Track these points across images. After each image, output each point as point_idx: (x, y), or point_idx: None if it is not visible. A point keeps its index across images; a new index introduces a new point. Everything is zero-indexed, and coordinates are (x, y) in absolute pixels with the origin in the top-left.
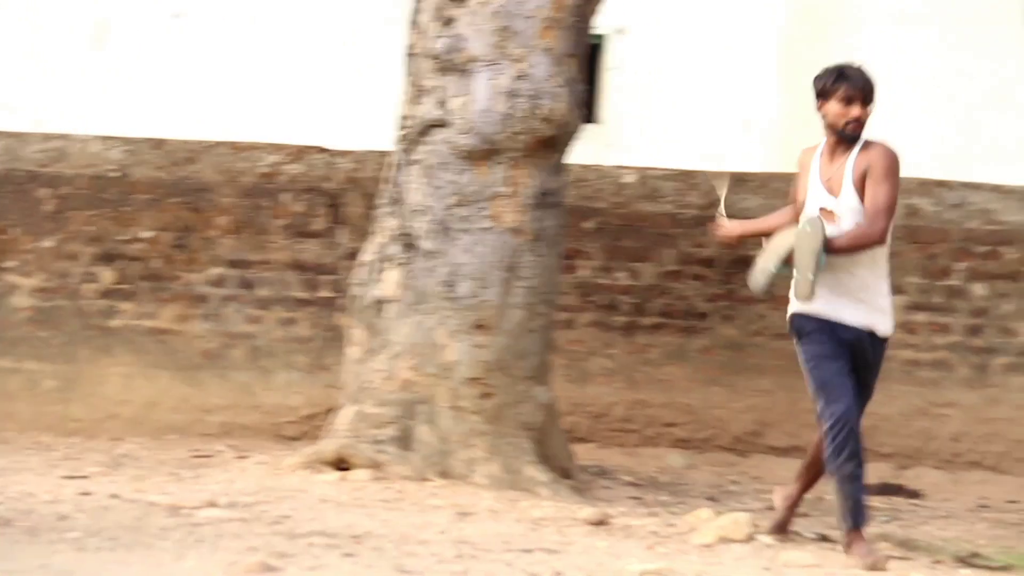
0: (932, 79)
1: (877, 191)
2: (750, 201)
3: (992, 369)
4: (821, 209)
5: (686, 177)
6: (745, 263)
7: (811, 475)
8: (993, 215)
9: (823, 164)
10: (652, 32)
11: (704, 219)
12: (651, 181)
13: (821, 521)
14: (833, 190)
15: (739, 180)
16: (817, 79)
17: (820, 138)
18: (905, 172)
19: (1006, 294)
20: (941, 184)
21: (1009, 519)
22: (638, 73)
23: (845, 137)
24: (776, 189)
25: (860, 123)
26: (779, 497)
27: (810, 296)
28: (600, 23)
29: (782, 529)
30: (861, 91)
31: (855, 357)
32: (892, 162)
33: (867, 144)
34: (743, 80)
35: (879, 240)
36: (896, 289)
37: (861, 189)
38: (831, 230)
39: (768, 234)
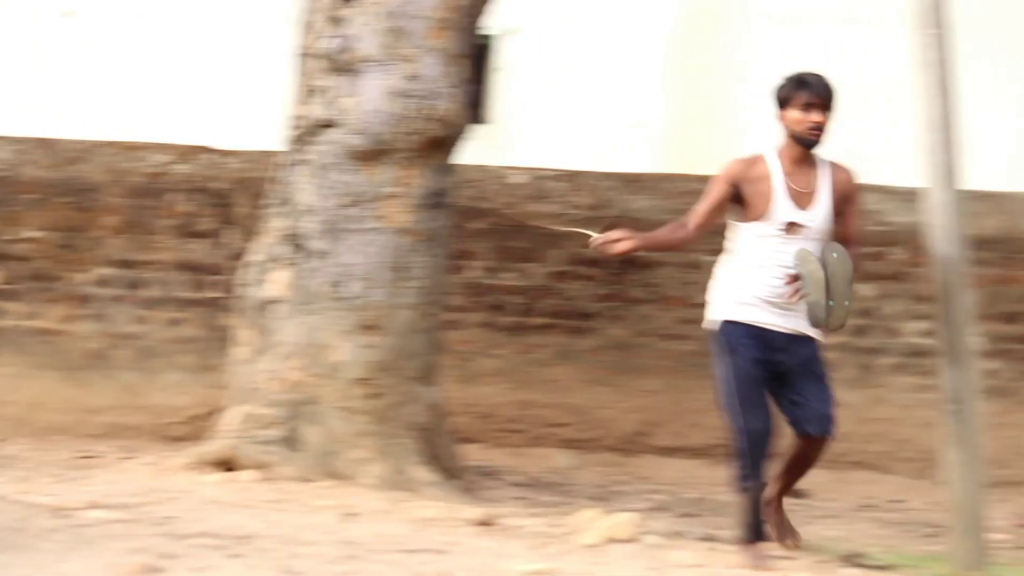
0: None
1: (858, 219)
2: (641, 202)
3: (877, 369)
4: (789, 224)
5: (575, 177)
6: (634, 264)
7: (787, 478)
8: (880, 216)
9: (789, 174)
10: (542, 33)
11: (592, 220)
12: (540, 181)
13: (708, 521)
14: (803, 204)
15: (630, 181)
16: (778, 88)
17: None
18: None
19: (892, 295)
20: None
21: (893, 518)
22: (528, 74)
23: (805, 143)
24: (665, 190)
25: (820, 128)
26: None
27: (843, 324)
28: (490, 23)
29: (782, 535)
30: (821, 97)
31: (782, 366)
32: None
33: (835, 165)
34: (632, 81)
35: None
36: None
37: (833, 208)
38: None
39: (664, 248)
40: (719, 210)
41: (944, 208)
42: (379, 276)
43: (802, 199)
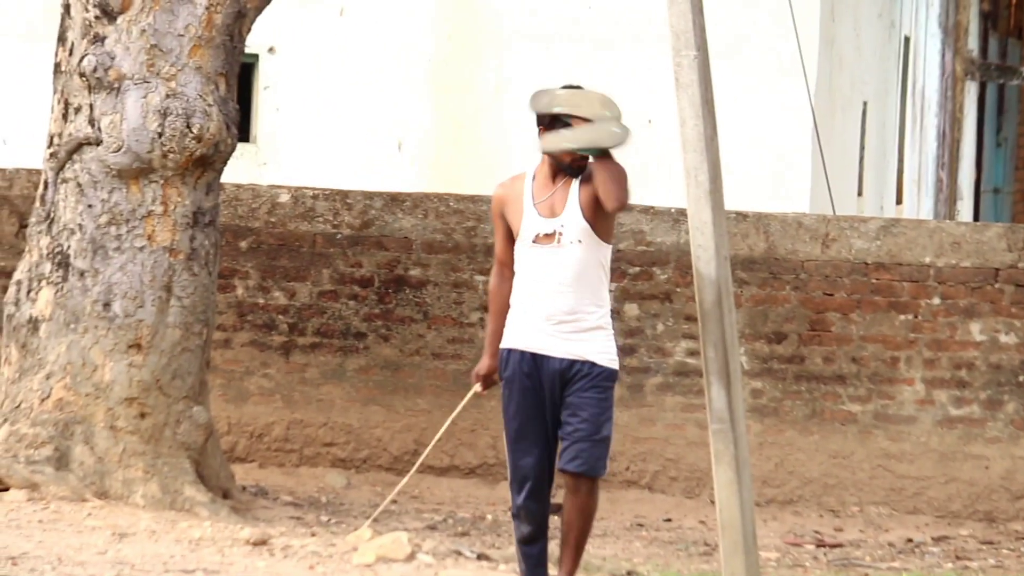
0: None
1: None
2: (406, 221)
3: (647, 388)
4: (538, 235)
5: (341, 196)
6: (404, 283)
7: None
8: (644, 236)
9: (538, 189)
10: (304, 52)
11: (359, 239)
12: (305, 200)
13: (482, 540)
14: (555, 212)
15: (395, 199)
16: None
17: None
18: None
19: (658, 314)
20: None
21: (664, 537)
22: (292, 92)
23: (570, 172)
24: (430, 208)
25: (586, 158)
26: None
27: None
28: (252, 42)
29: None
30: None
31: (556, 394)
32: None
33: (593, 165)
34: (395, 100)
35: (625, 200)
36: None
37: (590, 209)
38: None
39: (504, 312)
40: (509, 240)
41: (707, 228)
42: (145, 295)
43: (551, 208)
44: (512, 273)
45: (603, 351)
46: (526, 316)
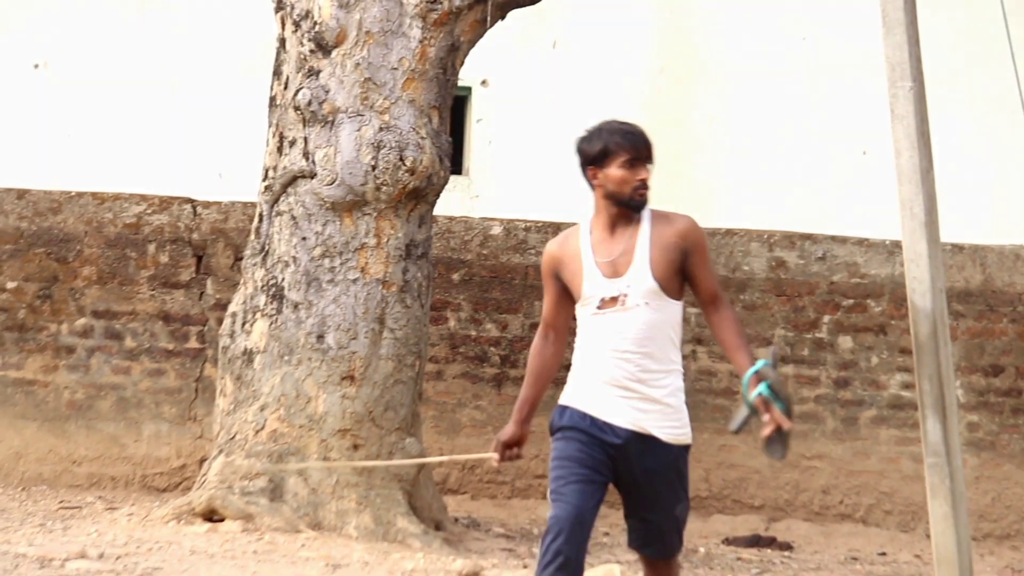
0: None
1: (711, 270)
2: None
3: (860, 422)
4: (603, 300)
5: (552, 228)
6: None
7: None
8: (859, 268)
9: (597, 244)
10: (517, 84)
11: None
12: (518, 232)
13: (693, 573)
14: (616, 272)
15: None
16: (587, 142)
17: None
18: (771, 225)
19: (873, 347)
20: (806, 237)
21: (879, 571)
22: (504, 125)
23: (633, 205)
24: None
25: (647, 186)
26: None
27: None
28: (465, 75)
29: None
30: (645, 150)
31: (619, 467)
32: (703, 234)
33: (659, 216)
34: None
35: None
36: (763, 341)
37: (661, 267)
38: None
39: (545, 382)
40: (560, 301)
41: (922, 260)
42: (358, 327)
43: (614, 267)
44: (558, 337)
45: (672, 425)
46: (588, 380)
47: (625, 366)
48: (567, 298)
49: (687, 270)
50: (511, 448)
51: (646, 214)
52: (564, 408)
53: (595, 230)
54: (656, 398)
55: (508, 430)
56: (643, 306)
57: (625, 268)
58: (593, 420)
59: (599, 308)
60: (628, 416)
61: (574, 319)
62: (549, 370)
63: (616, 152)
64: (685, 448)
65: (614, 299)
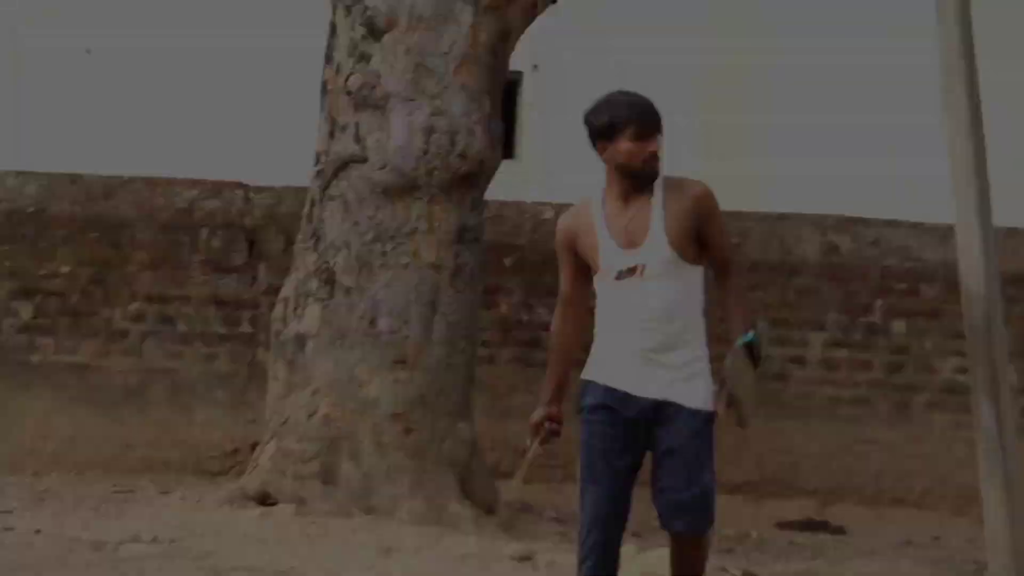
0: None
1: (724, 236)
2: None
3: (913, 406)
4: (621, 271)
5: None
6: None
7: None
8: (911, 252)
9: (612, 216)
10: (568, 70)
11: None
12: None
13: (747, 557)
14: (632, 243)
15: None
16: (595, 116)
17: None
18: (824, 208)
19: (926, 331)
20: (859, 221)
21: (932, 555)
22: (555, 109)
23: (644, 176)
24: None
25: (657, 157)
26: None
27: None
28: (516, 60)
29: None
30: (652, 121)
31: (646, 439)
32: (716, 201)
33: (671, 183)
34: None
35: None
36: (816, 325)
37: (676, 235)
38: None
39: (569, 356)
40: (577, 276)
41: (976, 244)
42: (410, 312)
43: (630, 237)
44: (577, 313)
45: (697, 392)
46: (610, 352)
47: (647, 335)
48: (584, 272)
49: (701, 236)
50: (543, 426)
51: (659, 182)
52: (587, 383)
53: (608, 202)
54: (679, 365)
55: (540, 412)
56: (662, 275)
57: (641, 239)
58: (616, 393)
59: (617, 279)
60: (652, 385)
61: (593, 294)
62: (572, 347)
63: (624, 126)
64: (710, 416)
65: (632, 270)
